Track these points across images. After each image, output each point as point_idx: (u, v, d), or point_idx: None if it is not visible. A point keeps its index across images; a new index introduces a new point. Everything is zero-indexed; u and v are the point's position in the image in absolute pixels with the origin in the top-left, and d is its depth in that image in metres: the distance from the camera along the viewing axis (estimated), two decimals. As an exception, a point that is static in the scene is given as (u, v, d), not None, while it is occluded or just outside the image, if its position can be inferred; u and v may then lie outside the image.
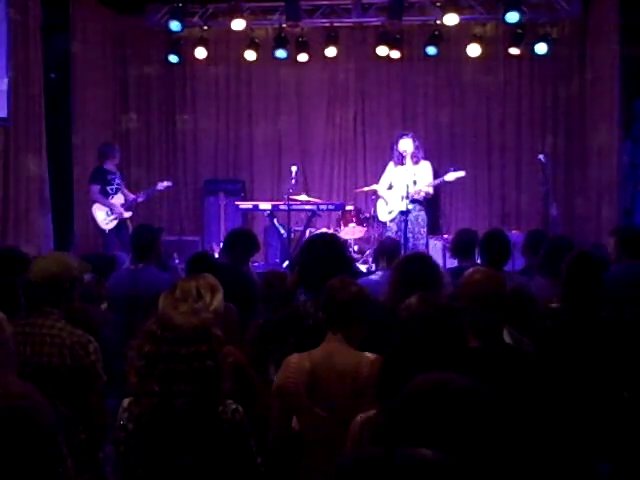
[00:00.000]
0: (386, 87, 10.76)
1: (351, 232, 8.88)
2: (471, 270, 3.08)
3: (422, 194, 8.08)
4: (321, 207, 9.13)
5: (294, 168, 8.58)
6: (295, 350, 3.07)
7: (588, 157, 9.96)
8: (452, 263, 6.39)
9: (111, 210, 8.53)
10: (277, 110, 10.96)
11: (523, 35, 9.74)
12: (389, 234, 8.04)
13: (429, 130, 10.49)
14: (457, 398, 1.79)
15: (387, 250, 5.32)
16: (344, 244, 5.17)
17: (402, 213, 7.86)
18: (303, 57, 10.39)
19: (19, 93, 8.28)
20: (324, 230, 8.47)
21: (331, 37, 10.20)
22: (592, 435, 3.07)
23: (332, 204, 9.39)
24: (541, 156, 8.60)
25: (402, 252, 5.80)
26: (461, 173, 8.24)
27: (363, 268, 8.26)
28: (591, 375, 3.43)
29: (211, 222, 10.31)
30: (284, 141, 10.98)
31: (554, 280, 4.23)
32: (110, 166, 8.64)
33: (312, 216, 9.06)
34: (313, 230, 8.79)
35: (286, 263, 8.21)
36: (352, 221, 8.91)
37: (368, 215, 8.93)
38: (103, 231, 8.58)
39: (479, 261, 5.21)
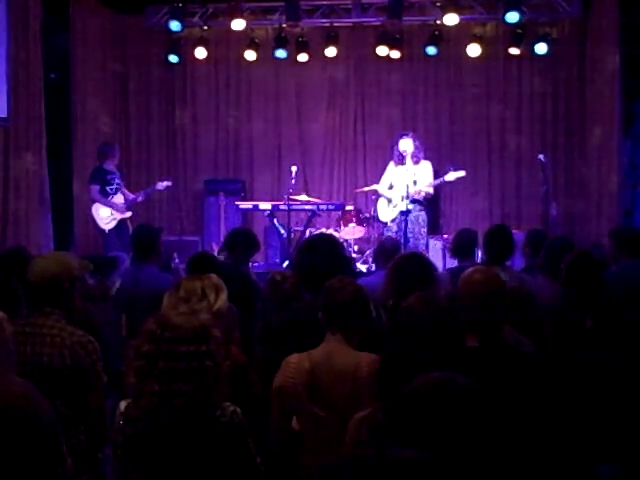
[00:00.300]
0: (386, 87, 10.76)
1: (351, 232, 8.88)
2: (471, 270, 3.08)
3: (422, 194, 8.08)
4: (321, 207, 9.13)
5: (294, 168, 8.58)
6: (296, 350, 3.07)
7: (588, 157, 9.96)
8: (452, 263, 6.39)
9: (111, 210, 8.53)
10: (277, 110, 10.96)
11: (523, 35, 9.74)
12: (389, 234, 8.04)
13: (429, 130, 10.49)
14: (458, 397, 1.79)
15: (387, 250, 5.32)
16: (342, 244, 5.18)
17: (402, 213, 7.86)
18: (303, 57, 10.39)
19: (19, 93, 8.28)
20: (322, 230, 8.47)
21: (331, 37, 10.20)
22: (592, 436, 3.07)
23: (332, 204, 9.39)
24: (541, 156, 8.60)
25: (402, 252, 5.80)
26: (461, 173, 8.24)
27: (363, 268, 8.27)
28: (591, 375, 3.43)
29: (211, 222, 10.31)
30: (284, 141, 10.98)
31: (555, 280, 4.24)
32: (110, 166, 8.64)
33: (312, 216, 9.05)
34: (313, 230, 8.79)
35: (286, 263, 8.21)
36: (352, 221, 8.91)
37: (368, 215, 8.92)
38: (103, 231, 8.58)
39: (481, 257, 5.22)
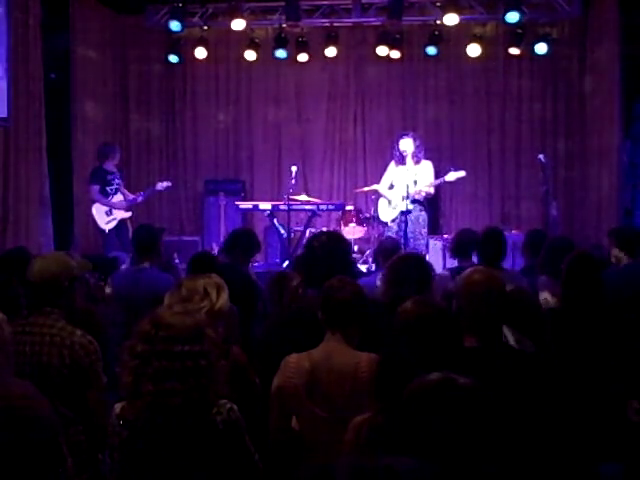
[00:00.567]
0: (386, 87, 10.76)
1: (351, 232, 8.88)
2: (470, 270, 3.08)
3: (423, 194, 8.08)
4: (321, 207, 9.13)
5: (294, 168, 8.58)
6: (297, 350, 3.07)
7: (588, 157, 9.97)
8: (452, 263, 6.39)
9: (111, 210, 8.53)
10: (277, 110, 10.96)
11: (523, 35, 9.74)
12: (390, 234, 8.04)
13: (429, 130, 10.48)
14: (459, 397, 1.79)
15: (387, 250, 5.33)
16: (349, 243, 5.21)
17: (403, 213, 7.86)
18: (303, 57, 10.39)
19: (19, 93, 8.27)
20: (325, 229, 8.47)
21: (331, 37, 10.21)
22: (593, 436, 3.07)
23: (332, 204, 9.39)
24: (541, 156, 8.60)
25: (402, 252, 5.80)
26: (461, 173, 8.23)
27: (363, 268, 8.26)
28: (591, 375, 3.43)
29: (211, 222, 10.30)
30: (284, 141, 10.98)
31: (555, 281, 4.24)
32: (110, 166, 8.64)
33: (312, 216, 9.06)
34: (313, 230, 8.78)
35: (286, 263, 8.21)
36: (352, 221, 8.91)
37: (368, 215, 8.93)
38: (103, 231, 8.57)
39: (475, 260, 5.25)
